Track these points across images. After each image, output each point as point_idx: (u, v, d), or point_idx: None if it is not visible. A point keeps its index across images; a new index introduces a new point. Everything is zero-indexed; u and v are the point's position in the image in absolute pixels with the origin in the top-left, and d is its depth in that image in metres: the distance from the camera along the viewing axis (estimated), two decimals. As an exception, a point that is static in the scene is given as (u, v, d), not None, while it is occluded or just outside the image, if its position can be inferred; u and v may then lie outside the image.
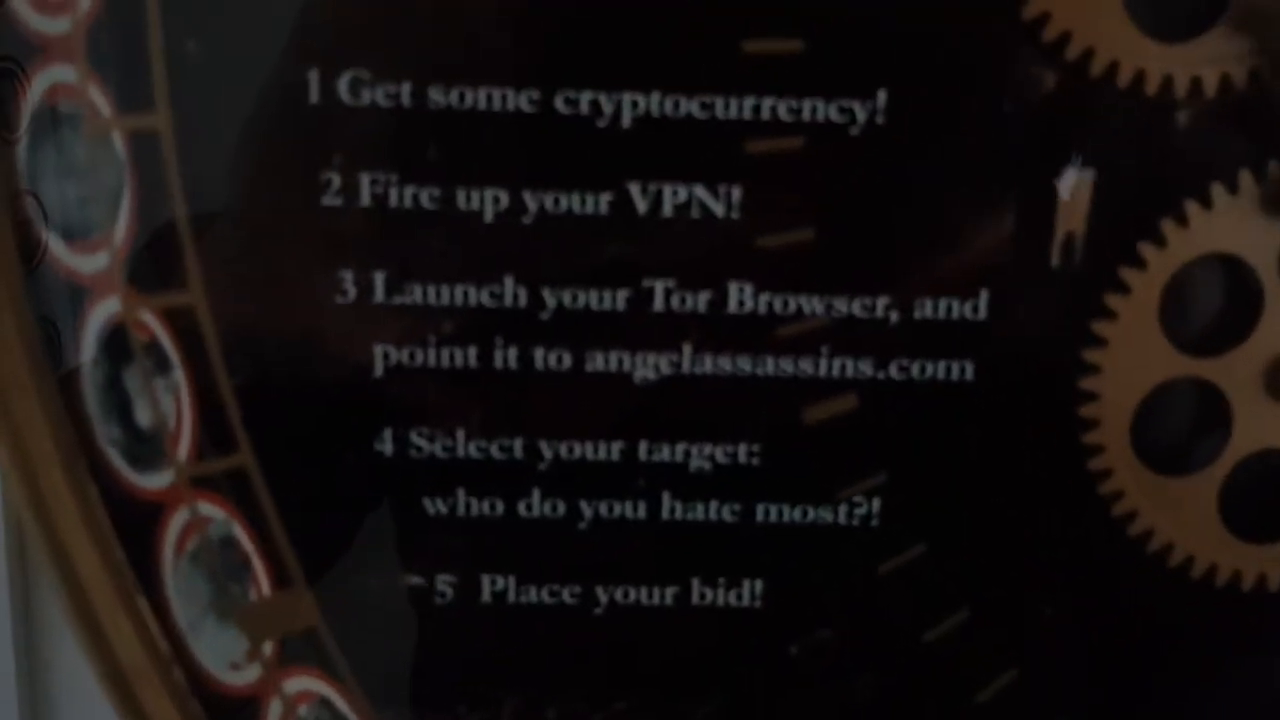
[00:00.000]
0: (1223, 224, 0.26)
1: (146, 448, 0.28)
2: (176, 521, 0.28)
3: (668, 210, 0.25)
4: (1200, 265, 0.26)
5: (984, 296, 0.26)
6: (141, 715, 0.28)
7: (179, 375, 0.27)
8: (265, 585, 0.28)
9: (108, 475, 0.28)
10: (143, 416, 0.28)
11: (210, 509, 0.28)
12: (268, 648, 0.29)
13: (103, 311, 0.27)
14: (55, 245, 0.27)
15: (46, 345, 0.27)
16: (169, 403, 0.27)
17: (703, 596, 0.28)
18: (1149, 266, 0.26)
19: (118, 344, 0.27)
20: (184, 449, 0.28)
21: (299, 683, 0.29)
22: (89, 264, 0.27)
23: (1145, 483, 0.27)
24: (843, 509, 0.27)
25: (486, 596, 0.28)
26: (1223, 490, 0.27)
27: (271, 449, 0.27)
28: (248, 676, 0.29)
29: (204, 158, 0.25)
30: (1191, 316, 0.26)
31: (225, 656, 0.29)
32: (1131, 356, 0.26)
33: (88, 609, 0.27)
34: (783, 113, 0.25)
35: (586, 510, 0.27)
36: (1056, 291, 0.26)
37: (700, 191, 0.25)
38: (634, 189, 0.25)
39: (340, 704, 0.29)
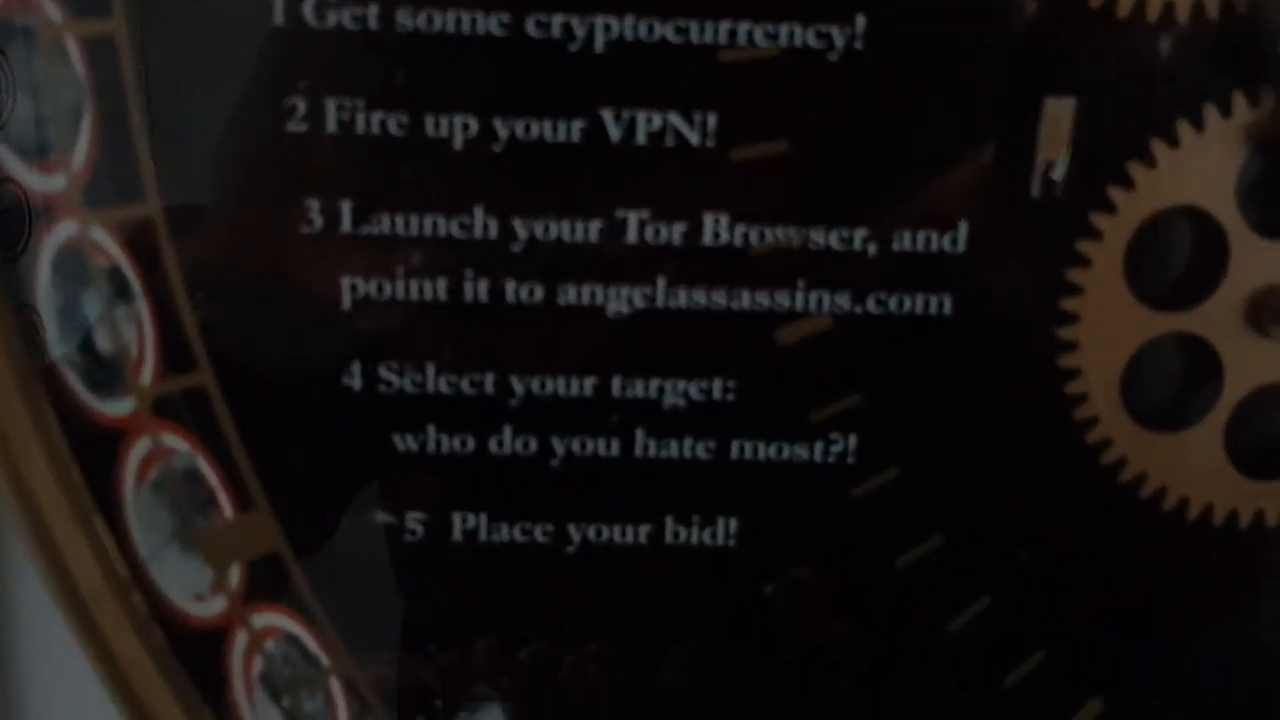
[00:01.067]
0: (1172, 178, 0.25)
1: (106, 373, 0.27)
2: (138, 450, 0.28)
3: (641, 138, 0.25)
4: (1158, 221, 0.26)
5: (963, 229, 0.25)
6: (101, 640, 0.27)
7: (141, 305, 0.27)
8: (229, 516, 0.28)
9: (67, 400, 0.28)
10: (103, 343, 0.27)
11: (174, 440, 0.28)
12: (234, 578, 0.28)
13: (61, 233, 0.27)
14: (14, 168, 0.26)
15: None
16: (130, 331, 0.27)
17: (676, 535, 0.28)
18: (1104, 236, 0.26)
19: (75, 267, 0.27)
20: (146, 376, 0.27)
21: (266, 618, 0.29)
22: (47, 184, 0.26)
23: (1147, 444, 0.27)
24: (818, 446, 0.27)
25: (457, 535, 0.28)
26: (1227, 435, 0.27)
27: (237, 383, 0.27)
28: (213, 608, 0.29)
29: (163, 72, 0.25)
30: (1159, 273, 0.26)
31: (190, 587, 0.29)
32: (1107, 324, 0.26)
33: (43, 527, 0.27)
34: (759, 37, 0.24)
35: (559, 447, 0.27)
36: (1037, 224, 0.25)
37: (675, 118, 0.25)
38: (607, 116, 0.25)
39: (309, 642, 0.29)
